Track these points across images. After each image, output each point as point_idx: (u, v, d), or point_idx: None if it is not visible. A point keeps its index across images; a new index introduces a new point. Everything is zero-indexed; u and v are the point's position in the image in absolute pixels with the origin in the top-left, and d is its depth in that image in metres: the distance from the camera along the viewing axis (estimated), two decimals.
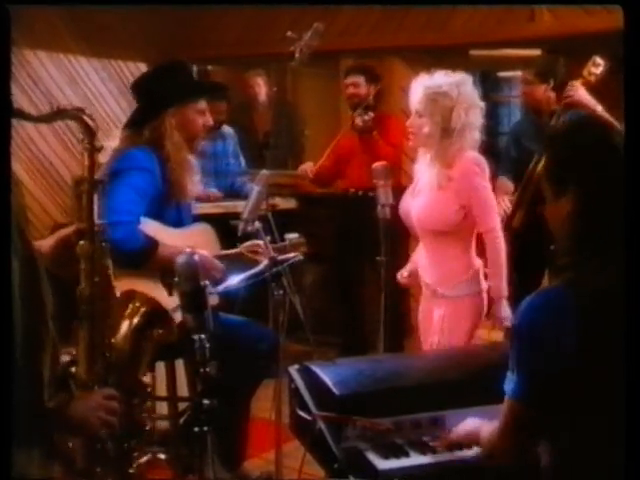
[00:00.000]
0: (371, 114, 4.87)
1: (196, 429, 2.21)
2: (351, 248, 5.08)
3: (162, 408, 3.24)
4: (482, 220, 3.09)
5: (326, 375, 2.20)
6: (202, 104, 3.20)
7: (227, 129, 5.46)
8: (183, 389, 3.16)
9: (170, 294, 2.77)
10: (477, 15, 5.14)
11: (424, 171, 3.20)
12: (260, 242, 2.99)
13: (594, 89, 4.02)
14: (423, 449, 2.10)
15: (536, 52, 5.29)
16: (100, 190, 1.92)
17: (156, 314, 2.31)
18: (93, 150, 1.91)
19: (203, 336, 2.17)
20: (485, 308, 3.16)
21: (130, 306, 2.28)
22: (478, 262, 3.16)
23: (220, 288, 2.88)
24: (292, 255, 2.99)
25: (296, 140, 6.27)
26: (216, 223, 3.37)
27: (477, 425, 2.01)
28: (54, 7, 5.60)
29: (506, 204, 4.18)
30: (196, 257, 2.25)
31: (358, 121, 4.88)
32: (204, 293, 2.21)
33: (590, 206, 1.75)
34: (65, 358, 1.90)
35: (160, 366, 3.08)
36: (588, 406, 1.70)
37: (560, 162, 1.82)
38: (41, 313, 1.69)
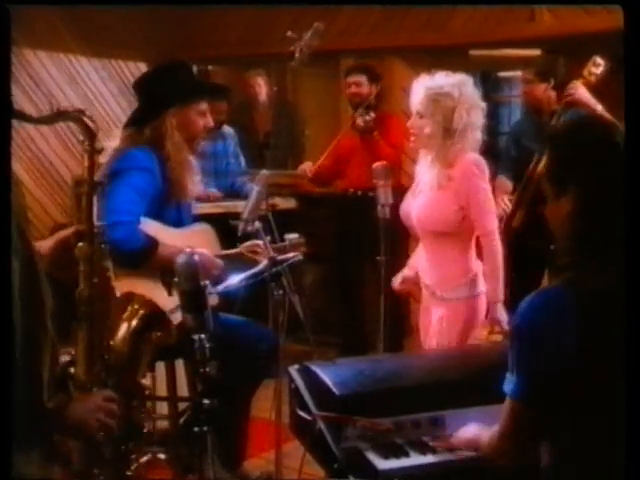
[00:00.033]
0: (372, 114, 4.87)
1: (196, 429, 2.21)
2: (351, 248, 5.08)
3: (162, 408, 3.24)
4: (479, 223, 3.09)
5: (326, 375, 2.20)
6: (203, 105, 3.20)
7: (227, 129, 5.46)
8: (183, 389, 3.16)
9: (170, 294, 2.77)
10: (477, 15, 5.15)
11: (425, 172, 3.19)
12: (260, 242, 2.99)
13: (594, 89, 4.02)
14: (423, 449, 2.10)
15: (536, 52, 5.29)
16: (100, 192, 1.92)
17: (154, 316, 2.31)
18: (93, 152, 1.91)
19: (203, 336, 2.17)
20: (484, 311, 3.16)
21: (129, 308, 2.28)
22: (477, 265, 3.16)
23: (220, 288, 2.88)
24: (292, 255, 2.99)
25: (296, 140, 6.27)
26: (216, 223, 3.37)
27: (477, 432, 2.00)
28: (54, 7, 5.61)
29: (505, 203, 4.18)
30: (196, 257, 2.25)
31: (359, 121, 4.87)
32: (204, 293, 2.21)
33: (590, 206, 1.75)
34: (65, 358, 1.90)
35: (160, 366, 3.08)
36: (588, 406, 1.70)
37: (560, 162, 1.82)
38: (40, 313, 1.68)
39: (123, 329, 2.22)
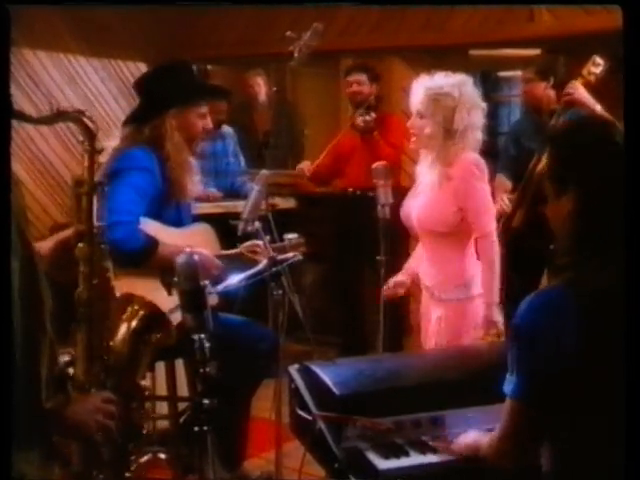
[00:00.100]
0: (373, 114, 4.86)
1: (196, 429, 2.21)
2: (351, 248, 5.08)
3: (162, 408, 3.25)
4: (477, 224, 3.07)
5: (326, 375, 2.20)
6: (203, 107, 3.20)
7: (227, 129, 5.46)
8: (183, 389, 3.16)
9: (170, 294, 2.77)
10: (477, 15, 5.15)
11: (425, 172, 3.19)
12: (259, 242, 3.00)
13: (594, 89, 4.02)
14: (423, 449, 2.10)
15: (536, 52, 5.29)
16: (100, 192, 1.92)
17: (154, 318, 2.31)
18: (93, 152, 1.91)
19: (203, 336, 2.17)
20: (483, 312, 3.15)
21: (128, 309, 2.29)
22: (477, 266, 3.15)
23: (220, 288, 2.88)
24: (291, 255, 2.99)
25: (296, 140, 6.27)
26: (216, 223, 3.37)
27: (477, 437, 2.00)
28: (54, 7, 5.61)
29: (505, 202, 4.18)
30: (196, 257, 2.25)
31: (359, 121, 4.87)
32: (204, 293, 2.21)
33: (590, 205, 1.75)
34: (65, 358, 1.90)
35: (160, 366, 3.09)
36: (588, 406, 1.70)
37: (560, 161, 1.82)
38: (40, 313, 1.68)
39: (123, 330, 2.22)
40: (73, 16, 5.91)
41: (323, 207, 5.56)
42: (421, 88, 3.11)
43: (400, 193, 3.42)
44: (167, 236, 3.01)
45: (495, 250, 3.09)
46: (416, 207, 3.20)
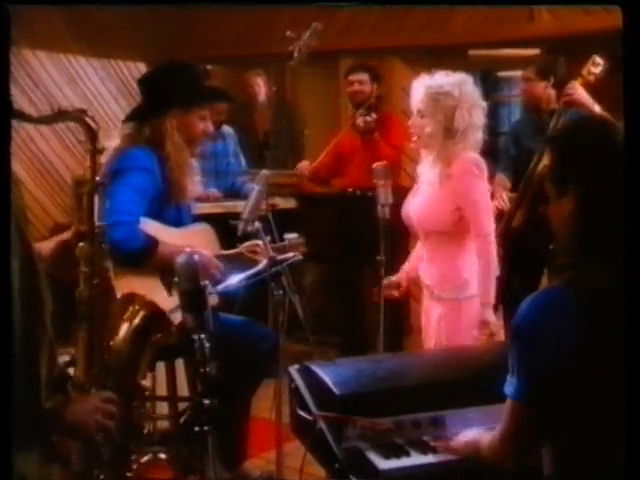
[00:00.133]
0: (374, 115, 4.86)
1: (196, 429, 2.21)
2: (351, 248, 5.07)
3: (162, 408, 3.25)
4: (475, 223, 3.06)
5: (326, 375, 2.20)
6: (205, 110, 3.20)
7: (227, 129, 5.46)
8: (183, 389, 3.16)
9: (170, 294, 2.77)
10: (477, 15, 5.15)
11: (426, 172, 3.19)
12: (259, 242, 3.00)
13: (593, 89, 4.02)
14: (424, 449, 2.10)
15: (536, 52, 5.29)
16: (101, 192, 1.92)
17: (155, 317, 2.31)
18: (95, 151, 1.91)
19: (203, 336, 2.17)
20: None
21: (129, 309, 2.29)
22: (475, 265, 3.15)
23: (220, 288, 2.89)
24: (291, 255, 2.99)
25: (296, 140, 6.27)
26: (216, 223, 3.38)
27: (477, 435, 2.00)
28: (54, 7, 5.61)
29: (504, 200, 4.17)
30: (196, 257, 2.25)
31: (360, 122, 4.86)
32: (204, 293, 2.21)
33: (590, 205, 1.75)
34: (64, 358, 1.90)
35: (160, 366, 3.08)
36: (588, 406, 1.70)
37: (561, 161, 1.82)
38: (39, 313, 1.69)
39: (124, 329, 2.22)
40: (73, 16, 5.91)
41: (323, 207, 5.56)
42: (421, 87, 3.11)
43: (400, 193, 3.42)
44: (167, 236, 3.01)
45: (493, 250, 3.08)
46: (416, 206, 3.20)
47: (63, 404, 1.76)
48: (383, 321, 3.31)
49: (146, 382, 2.42)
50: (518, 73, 5.15)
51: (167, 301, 2.59)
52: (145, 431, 2.31)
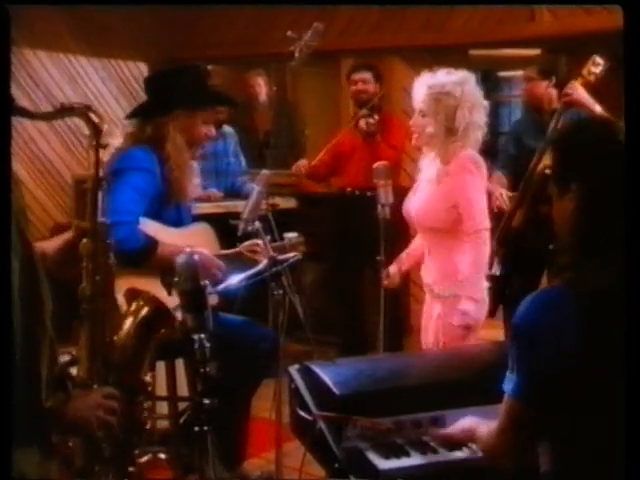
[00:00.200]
0: (376, 117, 4.85)
1: (196, 429, 2.21)
2: (351, 248, 5.07)
3: (162, 408, 3.24)
4: (469, 220, 3.05)
5: (326, 375, 2.20)
6: (208, 114, 3.21)
7: (227, 129, 5.46)
8: (183, 389, 3.16)
9: (170, 294, 2.77)
10: (477, 15, 5.14)
11: (426, 169, 3.21)
12: (259, 242, 3.00)
13: (594, 88, 4.02)
14: (424, 449, 2.10)
15: (536, 52, 5.29)
16: (104, 188, 1.92)
17: (159, 312, 2.31)
18: (99, 147, 1.90)
19: (203, 336, 2.17)
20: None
21: (133, 304, 2.28)
22: None
23: (220, 288, 2.88)
24: (291, 255, 2.99)
25: (296, 140, 6.27)
26: (216, 223, 3.38)
27: (474, 423, 2.00)
28: (54, 7, 5.61)
29: (504, 198, 4.16)
30: (196, 257, 2.25)
31: (362, 124, 4.86)
32: (204, 293, 2.21)
33: (591, 205, 1.75)
34: (65, 358, 1.90)
35: (160, 366, 3.08)
36: (588, 406, 1.70)
37: (562, 161, 1.82)
38: (40, 313, 1.68)
39: (127, 324, 2.22)
40: (73, 16, 5.91)
41: (323, 207, 5.56)
42: (423, 87, 3.11)
43: (400, 193, 3.42)
44: (167, 236, 3.01)
45: (484, 247, 3.07)
46: (416, 203, 3.21)
47: (63, 403, 1.76)
48: (383, 321, 3.31)
49: (149, 378, 2.41)
50: (518, 73, 5.16)
51: (167, 301, 2.58)
52: (147, 428, 2.31)
